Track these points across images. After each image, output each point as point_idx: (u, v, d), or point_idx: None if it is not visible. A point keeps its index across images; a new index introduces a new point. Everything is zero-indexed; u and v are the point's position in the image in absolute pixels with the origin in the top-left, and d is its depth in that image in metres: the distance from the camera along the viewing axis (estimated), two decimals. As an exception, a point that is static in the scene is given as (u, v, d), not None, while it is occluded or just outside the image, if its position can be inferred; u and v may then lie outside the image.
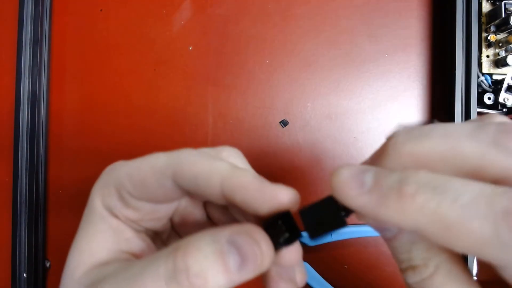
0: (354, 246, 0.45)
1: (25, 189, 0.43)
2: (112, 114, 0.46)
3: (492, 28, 0.41)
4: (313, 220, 0.16)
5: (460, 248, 0.12)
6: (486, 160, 0.13)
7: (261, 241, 0.15)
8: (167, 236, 0.22)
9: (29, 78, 0.44)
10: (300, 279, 0.19)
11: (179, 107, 0.45)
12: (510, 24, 0.39)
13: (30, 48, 0.44)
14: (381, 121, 0.45)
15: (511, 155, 0.12)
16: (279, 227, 0.16)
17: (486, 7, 0.42)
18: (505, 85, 0.40)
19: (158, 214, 0.20)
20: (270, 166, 0.45)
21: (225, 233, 0.15)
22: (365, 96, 0.45)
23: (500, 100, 0.40)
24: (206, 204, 0.22)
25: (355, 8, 0.46)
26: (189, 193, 0.18)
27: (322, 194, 0.46)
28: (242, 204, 0.17)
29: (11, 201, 0.44)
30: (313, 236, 0.16)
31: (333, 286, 0.44)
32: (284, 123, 0.45)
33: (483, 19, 0.42)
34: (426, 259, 0.14)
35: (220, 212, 0.21)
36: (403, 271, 0.15)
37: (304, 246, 0.44)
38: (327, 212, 0.15)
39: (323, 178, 0.45)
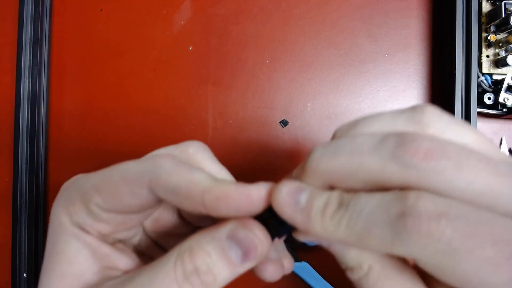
0: (354, 246, 0.45)
1: (25, 189, 0.43)
2: (112, 114, 0.46)
3: (492, 28, 0.41)
4: (272, 221, 0.17)
5: (376, 249, 0.14)
6: (386, 173, 0.14)
7: (258, 232, 0.16)
8: (138, 241, 0.22)
9: (29, 78, 0.44)
10: (288, 264, 0.20)
11: (179, 107, 0.45)
12: (510, 24, 0.39)
13: (30, 48, 0.44)
14: (381, 121, 0.45)
15: (406, 167, 0.14)
16: (272, 221, 0.17)
17: (486, 7, 0.42)
18: (505, 85, 0.40)
19: (131, 224, 0.20)
20: (270, 166, 0.45)
21: (223, 230, 0.16)
22: (365, 96, 0.45)
23: (500, 100, 0.40)
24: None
25: (355, 8, 0.46)
26: (166, 201, 0.18)
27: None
28: (227, 214, 0.17)
29: (11, 201, 0.44)
30: (272, 237, 0.17)
31: (333, 286, 0.43)
32: (284, 123, 0.45)
33: (483, 19, 0.42)
34: (359, 261, 0.17)
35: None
36: (344, 270, 0.18)
37: (304, 246, 0.44)
38: (279, 219, 0.17)
39: (323, 178, 0.45)
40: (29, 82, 0.44)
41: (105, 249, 0.18)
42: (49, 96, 0.46)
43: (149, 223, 0.21)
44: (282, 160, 0.45)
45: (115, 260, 0.19)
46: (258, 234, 0.16)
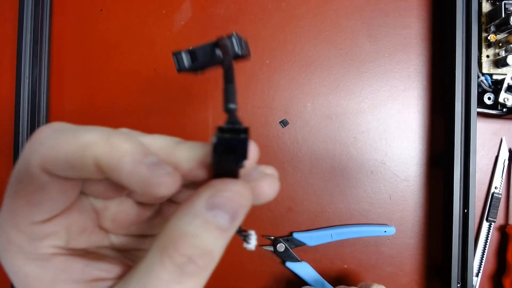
0: (354, 246, 0.45)
1: (25, 189, 0.43)
2: (112, 114, 0.46)
3: (492, 28, 0.41)
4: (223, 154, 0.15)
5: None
6: None
7: (234, 187, 0.15)
8: (110, 243, 0.20)
9: (29, 78, 0.44)
10: (271, 171, 0.18)
11: (179, 107, 0.45)
12: (510, 24, 0.39)
13: (30, 48, 0.44)
14: (381, 121, 0.45)
15: None
16: (224, 160, 0.15)
17: (486, 7, 0.42)
18: (505, 85, 0.40)
19: (80, 223, 0.18)
20: (270, 166, 0.45)
21: (199, 203, 0.15)
22: (365, 96, 0.45)
23: (500, 100, 0.40)
24: (132, 193, 0.19)
25: (355, 8, 0.46)
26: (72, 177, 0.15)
27: (322, 194, 0.46)
28: (131, 184, 0.14)
29: (11, 201, 0.44)
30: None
31: (333, 286, 0.44)
32: (284, 123, 0.45)
33: (483, 19, 0.42)
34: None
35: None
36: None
37: (304, 246, 0.44)
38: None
39: (323, 179, 0.45)
40: (29, 82, 0.44)
41: (78, 263, 0.17)
42: (49, 96, 0.46)
43: (109, 225, 0.19)
44: (282, 160, 0.45)
45: (95, 271, 0.17)
46: (235, 189, 0.15)
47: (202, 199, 0.15)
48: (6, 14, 0.46)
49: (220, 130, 0.14)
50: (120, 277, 0.17)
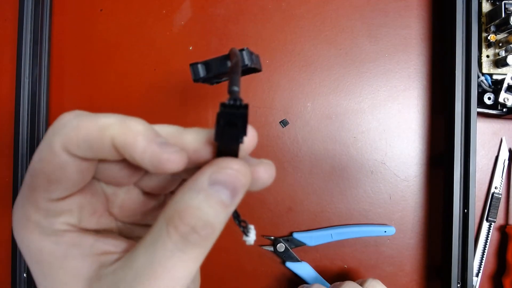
0: (354, 246, 0.45)
1: (25, 189, 0.43)
2: (112, 114, 0.46)
3: (492, 28, 0.41)
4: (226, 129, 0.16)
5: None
6: None
7: (236, 165, 0.16)
8: (117, 229, 0.21)
9: (29, 78, 0.44)
10: (267, 162, 0.19)
11: (179, 107, 0.45)
12: (510, 24, 0.39)
13: (30, 48, 0.44)
14: (381, 121, 0.45)
15: None
16: (225, 139, 0.16)
17: (486, 7, 0.42)
18: (505, 85, 0.40)
19: (93, 204, 0.19)
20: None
21: (202, 179, 0.16)
22: (365, 96, 0.45)
23: (500, 100, 0.40)
24: (140, 182, 0.21)
25: (355, 8, 0.46)
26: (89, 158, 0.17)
27: (322, 194, 0.46)
28: (145, 164, 0.16)
29: (11, 201, 0.44)
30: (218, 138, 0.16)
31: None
32: (284, 123, 0.45)
33: (483, 19, 0.42)
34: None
35: (155, 184, 0.21)
36: None
37: (304, 246, 0.44)
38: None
39: (323, 179, 0.45)
40: (29, 82, 0.44)
41: (88, 239, 0.18)
42: (49, 96, 0.46)
43: (117, 212, 0.21)
44: (282, 160, 0.45)
45: (104, 245, 0.18)
46: (237, 167, 0.16)
47: (206, 175, 0.16)
48: (6, 14, 0.46)
49: (222, 105, 0.16)
50: (127, 251, 0.18)
